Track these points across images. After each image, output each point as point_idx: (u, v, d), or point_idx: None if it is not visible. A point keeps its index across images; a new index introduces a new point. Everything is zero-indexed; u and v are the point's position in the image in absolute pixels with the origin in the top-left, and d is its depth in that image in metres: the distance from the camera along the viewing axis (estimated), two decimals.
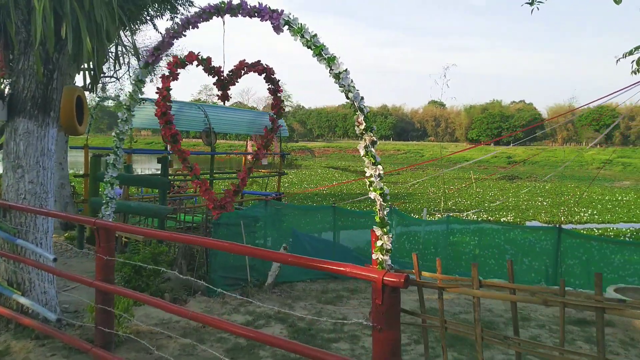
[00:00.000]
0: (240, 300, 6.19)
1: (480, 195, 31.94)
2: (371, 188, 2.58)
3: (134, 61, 9.59)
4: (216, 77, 3.53)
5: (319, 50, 2.77)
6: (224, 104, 3.79)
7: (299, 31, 2.81)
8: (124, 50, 4.09)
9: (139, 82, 3.89)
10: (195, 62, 3.37)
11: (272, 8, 2.90)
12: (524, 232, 12.28)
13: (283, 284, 7.69)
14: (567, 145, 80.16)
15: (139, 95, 3.94)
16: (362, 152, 2.68)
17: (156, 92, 3.51)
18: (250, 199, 13.39)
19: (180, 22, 3.43)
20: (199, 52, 3.37)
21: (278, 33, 2.99)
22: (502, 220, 21.70)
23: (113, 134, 4.11)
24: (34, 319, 4.55)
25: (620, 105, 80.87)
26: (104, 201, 4.20)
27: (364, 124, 2.65)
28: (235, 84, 3.60)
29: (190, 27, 3.45)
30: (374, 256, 2.58)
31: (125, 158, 9.71)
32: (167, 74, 3.38)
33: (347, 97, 2.75)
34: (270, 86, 3.62)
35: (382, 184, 2.56)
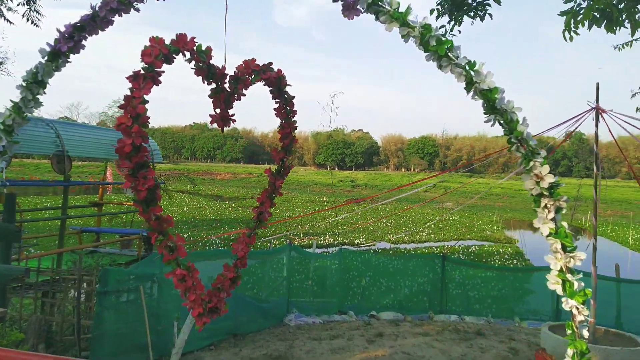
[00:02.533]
0: None
1: (332, 217, 32.79)
2: (566, 292, 1.52)
3: None
4: (215, 85, 2.02)
5: (444, 49, 1.62)
6: (222, 130, 2.26)
7: (400, 15, 1.63)
8: None
9: (36, 85, 2.13)
10: (188, 53, 1.82)
11: None
12: (411, 259, 12.35)
13: (189, 354, 5.94)
14: (398, 171, 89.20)
15: (32, 107, 2.16)
16: (545, 231, 1.60)
17: (119, 107, 1.83)
18: (112, 241, 10.92)
19: None
20: (194, 37, 1.84)
21: (350, 17, 1.74)
22: (356, 242, 22.35)
23: None
24: None
25: (439, 136, 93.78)
26: None
27: (549, 179, 1.58)
28: (240, 99, 2.12)
29: None
30: None
31: None
32: (140, 71, 1.73)
33: (510, 139, 1.64)
34: (278, 103, 2.21)
35: (581, 285, 1.52)
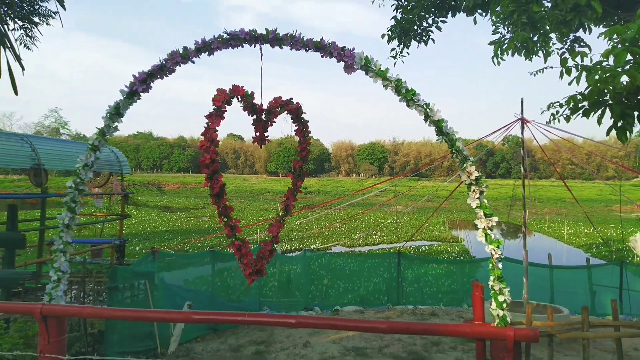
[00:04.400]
0: None
1: (287, 224, 33.49)
2: (487, 241, 2.50)
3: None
4: (255, 116, 2.87)
5: (410, 95, 2.58)
6: (260, 147, 3.11)
7: (382, 74, 2.57)
8: None
9: (116, 116, 2.89)
10: (239, 97, 2.66)
11: (339, 46, 2.56)
12: (369, 258, 13.41)
13: (179, 346, 6.58)
14: (349, 177, 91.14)
15: (112, 132, 2.91)
16: (474, 205, 2.57)
17: (202, 135, 2.64)
18: (83, 251, 11.21)
19: (196, 45, 2.69)
20: (243, 86, 2.69)
21: (349, 73, 2.66)
22: (312, 247, 23.28)
23: (69, 183, 2.93)
24: None
25: (388, 142, 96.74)
26: (54, 277, 2.93)
27: (475, 174, 2.56)
28: (272, 124, 2.99)
29: (207, 52, 2.75)
30: (493, 312, 2.47)
31: None
32: (212, 111, 2.56)
33: (452, 150, 2.62)
34: (297, 126, 3.11)
35: (499, 235, 2.50)
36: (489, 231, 2.51)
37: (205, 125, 2.64)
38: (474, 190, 2.57)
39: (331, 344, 6.78)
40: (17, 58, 3.15)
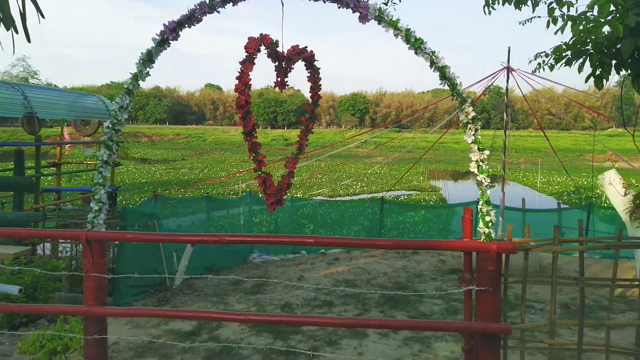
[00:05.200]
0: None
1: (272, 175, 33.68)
2: (479, 171, 2.95)
3: None
4: (277, 63, 3.17)
5: (418, 43, 2.91)
6: (281, 91, 3.42)
7: (394, 24, 2.87)
8: None
9: (148, 62, 3.14)
10: (265, 44, 2.96)
11: None
12: (356, 204, 14.06)
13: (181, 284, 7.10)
14: (330, 128, 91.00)
15: (144, 77, 3.18)
16: (469, 140, 2.99)
17: (237, 79, 2.94)
18: (74, 199, 11.40)
19: None
20: (269, 35, 2.98)
21: (363, 23, 2.95)
22: (293, 197, 23.94)
23: (106, 124, 3.21)
24: None
25: (374, 92, 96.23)
26: (96, 207, 3.27)
27: (472, 114, 2.96)
28: (291, 71, 3.30)
29: (232, 2, 2.99)
30: (480, 230, 2.96)
31: None
32: (245, 57, 2.87)
33: (452, 93, 2.99)
34: (309, 72, 3.43)
35: (487, 167, 2.96)
36: (481, 163, 2.95)
37: (240, 71, 2.96)
38: (470, 128, 2.98)
39: (323, 277, 7.38)
40: (35, 4, 3.21)
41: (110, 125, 3.21)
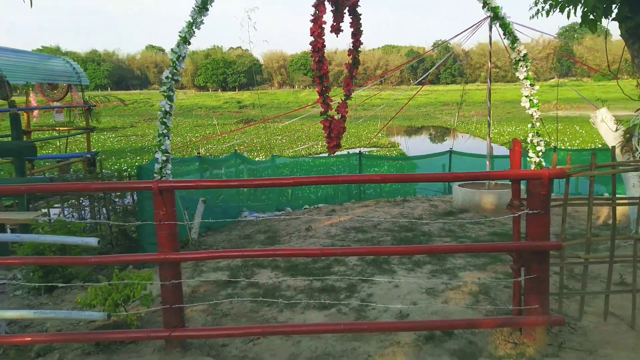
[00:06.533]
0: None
1: (227, 140, 33.15)
2: (530, 105, 3.23)
3: None
4: (335, 8, 3.21)
5: None
6: (337, 36, 3.46)
7: None
8: None
9: (203, 9, 3.08)
10: None
11: None
12: (333, 159, 14.30)
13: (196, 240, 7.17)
14: (283, 88, 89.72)
15: (199, 26, 3.13)
16: (521, 77, 3.24)
17: (311, 21, 2.95)
18: (50, 167, 10.94)
19: None
20: None
21: None
22: (256, 159, 23.90)
23: (165, 74, 3.16)
24: None
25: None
26: (163, 158, 3.27)
27: (523, 52, 3.20)
28: (343, 17, 3.35)
29: None
30: (533, 159, 3.27)
31: None
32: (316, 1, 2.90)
33: (505, 32, 3.20)
34: (352, 18, 3.52)
35: (536, 100, 3.24)
36: (532, 98, 3.24)
37: (313, 14, 3.02)
38: (521, 65, 3.24)
39: (330, 227, 7.66)
40: None
41: (170, 76, 3.21)
